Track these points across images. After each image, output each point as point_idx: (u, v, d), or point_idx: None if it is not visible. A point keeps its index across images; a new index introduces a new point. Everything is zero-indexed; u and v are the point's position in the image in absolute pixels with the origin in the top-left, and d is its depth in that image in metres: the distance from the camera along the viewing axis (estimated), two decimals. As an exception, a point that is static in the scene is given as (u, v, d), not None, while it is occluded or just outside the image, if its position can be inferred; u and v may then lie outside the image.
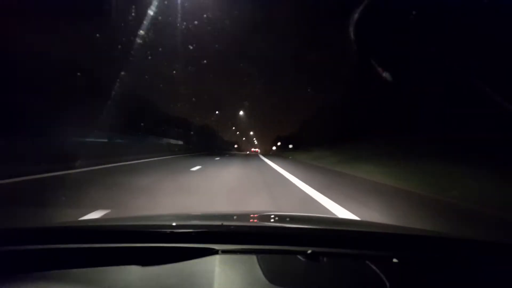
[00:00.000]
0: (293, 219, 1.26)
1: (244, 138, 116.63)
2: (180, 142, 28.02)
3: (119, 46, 14.57)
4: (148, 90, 22.87)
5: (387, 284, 0.64)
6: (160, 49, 19.55)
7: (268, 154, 38.82)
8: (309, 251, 0.74)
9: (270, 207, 3.11)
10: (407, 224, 2.30)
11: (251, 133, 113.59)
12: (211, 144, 40.73)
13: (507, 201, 3.55)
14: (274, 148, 61.19)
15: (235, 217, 1.20)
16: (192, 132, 35.18)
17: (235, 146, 74.44)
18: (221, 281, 0.63)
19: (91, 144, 10.12)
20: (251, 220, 1.16)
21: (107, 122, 12.14)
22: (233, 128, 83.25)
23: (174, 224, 0.94)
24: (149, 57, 17.88)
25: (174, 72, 26.97)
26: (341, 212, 2.96)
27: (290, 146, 37.92)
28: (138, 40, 14.19)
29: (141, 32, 13.91)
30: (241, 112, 70.89)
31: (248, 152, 63.54)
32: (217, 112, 53.57)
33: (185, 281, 0.64)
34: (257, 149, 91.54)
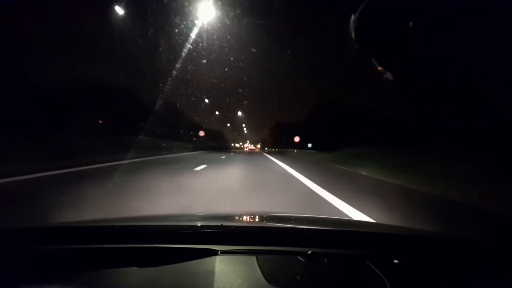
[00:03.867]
0: (293, 219, 1.24)
1: (228, 124, 77.57)
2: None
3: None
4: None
5: (388, 284, 0.64)
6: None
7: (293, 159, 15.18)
8: (309, 252, 0.73)
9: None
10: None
11: (240, 113, 71.25)
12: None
13: None
14: (297, 139, 25.81)
15: (235, 217, 1.18)
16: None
17: (200, 134, 32.82)
18: (221, 282, 0.63)
19: None
20: (251, 221, 1.15)
21: None
22: (207, 101, 46.09)
23: (173, 224, 0.93)
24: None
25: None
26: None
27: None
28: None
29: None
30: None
31: (248, 148, 43.02)
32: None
33: (184, 282, 0.64)
34: (253, 147, 61.83)
